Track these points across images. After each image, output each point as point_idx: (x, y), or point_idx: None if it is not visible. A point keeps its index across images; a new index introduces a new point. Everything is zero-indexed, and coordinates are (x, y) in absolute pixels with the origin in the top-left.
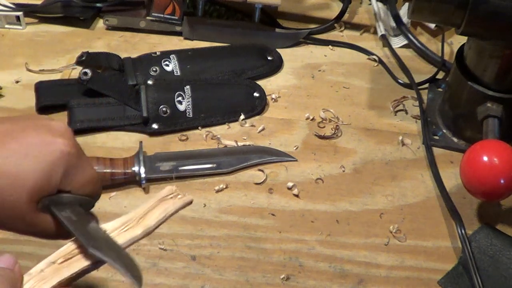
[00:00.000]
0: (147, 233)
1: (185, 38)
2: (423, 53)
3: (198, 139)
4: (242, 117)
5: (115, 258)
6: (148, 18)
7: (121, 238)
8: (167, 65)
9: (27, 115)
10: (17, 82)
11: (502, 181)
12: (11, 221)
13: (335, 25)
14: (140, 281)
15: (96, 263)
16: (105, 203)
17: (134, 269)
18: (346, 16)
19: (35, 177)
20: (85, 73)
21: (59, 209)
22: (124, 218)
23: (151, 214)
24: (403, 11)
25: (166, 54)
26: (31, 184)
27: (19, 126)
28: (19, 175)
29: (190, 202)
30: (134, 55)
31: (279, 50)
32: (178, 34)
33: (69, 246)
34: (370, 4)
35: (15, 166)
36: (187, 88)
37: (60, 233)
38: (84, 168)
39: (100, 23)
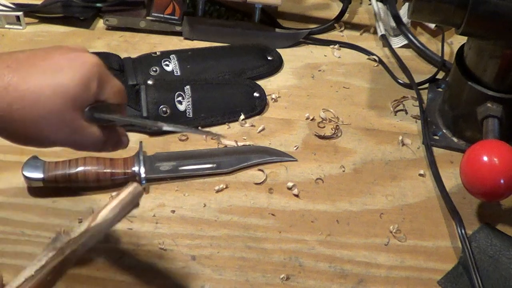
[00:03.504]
0: (109, 224)
1: (185, 38)
2: (423, 53)
3: (198, 139)
4: (242, 117)
5: (185, 127)
6: (148, 18)
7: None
8: (167, 65)
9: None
10: None
11: (502, 181)
12: (58, 132)
13: (335, 25)
14: (215, 134)
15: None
16: (105, 203)
17: (203, 131)
18: (346, 16)
19: (75, 85)
20: None
21: (104, 114)
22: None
23: (106, 208)
24: (403, 11)
25: (166, 54)
26: (72, 93)
27: (42, 51)
28: (60, 86)
29: (141, 191)
30: (134, 55)
31: (279, 50)
32: (178, 34)
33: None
34: (370, 4)
35: (53, 78)
36: (187, 88)
37: (107, 140)
38: (112, 78)
39: (100, 23)
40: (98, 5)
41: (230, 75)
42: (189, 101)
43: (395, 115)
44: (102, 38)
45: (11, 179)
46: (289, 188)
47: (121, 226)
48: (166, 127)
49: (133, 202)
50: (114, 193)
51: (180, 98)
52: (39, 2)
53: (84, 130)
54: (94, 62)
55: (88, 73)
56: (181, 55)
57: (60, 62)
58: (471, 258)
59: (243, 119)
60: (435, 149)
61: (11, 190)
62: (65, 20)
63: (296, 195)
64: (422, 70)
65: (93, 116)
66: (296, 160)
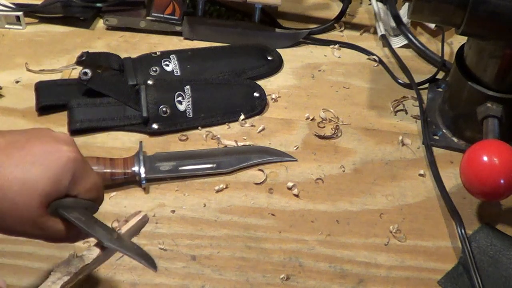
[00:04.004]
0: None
1: (185, 38)
2: (423, 53)
3: (198, 139)
4: (242, 117)
5: (130, 249)
6: (148, 18)
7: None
8: (167, 65)
9: (28, 128)
10: (17, 82)
11: (502, 181)
12: (23, 226)
13: (335, 25)
14: (154, 266)
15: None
16: (105, 203)
17: (148, 257)
18: (346, 16)
19: (45, 183)
20: (85, 73)
21: (68, 212)
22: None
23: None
24: (403, 11)
25: (166, 54)
26: (41, 189)
27: (23, 137)
28: (29, 181)
29: (147, 220)
30: (134, 55)
31: (279, 50)
32: (178, 34)
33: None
34: (370, 4)
35: (24, 173)
36: (187, 88)
37: (69, 235)
38: (89, 174)
39: (100, 23)
40: (98, 5)
41: (230, 75)
42: (189, 101)
43: (395, 115)
44: (102, 38)
45: None
46: (289, 188)
47: None
48: (108, 245)
49: (139, 230)
50: (121, 221)
51: (180, 98)
52: (39, 2)
53: (49, 225)
54: (70, 158)
55: (61, 170)
56: (181, 55)
57: (36, 155)
58: (471, 258)
59: (243, 119)
60: (435, 149)
61: None
62: (65, 20)
63: (296, 195)
64: (422, 70)
65: (58, 211)
66: (296, 160)
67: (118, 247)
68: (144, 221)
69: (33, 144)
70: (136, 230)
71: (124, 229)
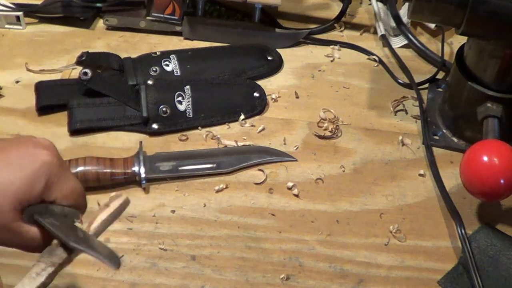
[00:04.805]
0: (96, 234)
1: (185, 38)
2: (423, 53)
3: (198, 139)
4: (242, 117)
5: (93, 248)
6: (148, 18)
7: None
8: (167, 65)
9: (11, 137)
10: (17, 82)
11: (502, 181)
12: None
13: (335, 25)
14: (116, 264)
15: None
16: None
17: (112, 255)
18: (346, 16)
19: (17, 184)
20: (85, 73)
21: (44, 218)
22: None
23: (98, 219)
24: (403, 11)
25: (166, 54)
26: (14, 191)
27: (2, 144)
28: (2, 183)
29: (128, 202)
30: (134, 55)
31: (279, 50)
32: (178, 34)
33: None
34: (370, 4)
35: None
36: (187, 88)
37: (47, 243)
38: (66, 179)
39: (100, 23)
40: (98, 5)
41: (230, 75)
42: (189, 101)
43: (395, 115)
44: (102, 38)
45: None
46: (289, 188)
47: (121, 226)
48: (73, 245)
49: (120, 213)
50: (102, 203)
51: (180, 98)
52: (39, 2)
53: (23, 231)
54: (44, 161)
55: (35, 172)
56: (181, 55)
57: (11, 158)
58: (471, 258)
59: (243, 119)
60: (435, 149)
61: None
62: (65, 20)
63: (296, 195)
64: (422, 70)
65: (33, 218)
66: (296, 160)
67: (80, 247)
68: (125, 204)
69: (10, 149)
70: (118, 213)
71: (105, 214)
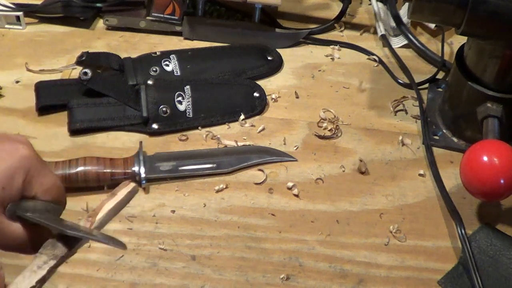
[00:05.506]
0: (104, 225)
1: (185, 38)
2: (423, 53)
3: (198, 139)
4: (242, 117)
5: (94, 234)
6: (148, 18)
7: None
8: (167, 65)
9: None
10: (17, 82)
11: (502, 181)
12: None
13: (335, 25)
14: (122, 245)
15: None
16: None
17: (114, 239)
18: (346, 16)
19: None
20: (85, 73)
21: (29, 214)
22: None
23: (105, 208)
24: (403, 11)
25: (166, 54)
26: None
27: None
28: None
29: (137, 190)
30: (134, 55)
31: (279, 50)
32: (178, 34)
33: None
34: (370, 4)
35: None
36: (187, 88)
37: (31, 242)
38: (46, 174)
39: (100, 23)
40: (98, 5)
41: (230, 75)
42: (189, 101)
43: (395, 115)
44: (102, 38)
45: None
46: (289, 188)
47: (121, 226)
48: (72, 233)
49: (127, 202)
50: (109, 192)
51: (180, 98)
52: (39, 2)
53: (4, 228)
54: (23, 154)
55: (14, 166)
56: (181, 55)
57: None
58: (471, 258)
59: (243, 119)
60: (435, 149)
61: None
62: (65, 20)
63: (296, 195)
64: (422, 70)
65: (15, 215)
66: (296, 160)
67: (81, 234)
68: (133, 192)
69: None
70: (126, 202)
71: (112, 202)
